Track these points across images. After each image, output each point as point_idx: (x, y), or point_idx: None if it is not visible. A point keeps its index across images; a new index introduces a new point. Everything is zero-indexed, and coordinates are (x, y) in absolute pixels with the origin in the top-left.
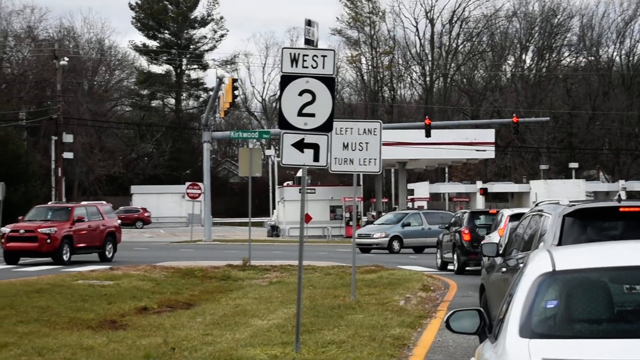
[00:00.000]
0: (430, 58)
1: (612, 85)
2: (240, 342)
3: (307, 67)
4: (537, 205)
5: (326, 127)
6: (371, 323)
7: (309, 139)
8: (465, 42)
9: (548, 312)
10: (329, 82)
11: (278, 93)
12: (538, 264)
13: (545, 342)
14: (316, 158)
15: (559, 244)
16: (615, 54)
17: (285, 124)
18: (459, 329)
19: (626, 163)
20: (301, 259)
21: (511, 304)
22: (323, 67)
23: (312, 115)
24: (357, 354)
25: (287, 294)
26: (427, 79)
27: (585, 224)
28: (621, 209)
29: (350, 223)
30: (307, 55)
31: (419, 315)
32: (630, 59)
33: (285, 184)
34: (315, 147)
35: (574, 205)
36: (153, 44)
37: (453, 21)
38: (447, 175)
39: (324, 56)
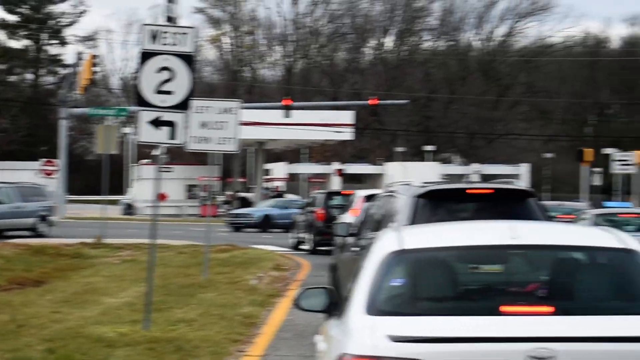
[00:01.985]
0: (292, 39)
1: (470, 69)
2: (90, 319)
3: (167, 45)
4: (390, 186)
5: (183, 105)
6: (222, 302)
7: (166, 116)
8: (328, 24)
9: (394, 290)
10: (189, 59)
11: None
12: (386, 242)
13: (391, 319)
14: (173, 136)
15: (411, 224)
16: (473, 39)
17: (142, 101)
18: (308, 307)
19: (481, 147)
20: (154, 238)
21: (358, 282)
22: (182, 45)
23: (170, 92)
24: (207, 332)
25: (139, 272)
26: (289, 59)
27: (436, 205)
28: (468, 191)
29: (206, 202)
30: (167, 33)
31: (269, 294)
32: (488, 44)
33: (141, 162)
34: (172, 124)
35: (425, 186)
36: (12, 18)
37: (317, 2)
38: (305, 155)
39: (184, 34)
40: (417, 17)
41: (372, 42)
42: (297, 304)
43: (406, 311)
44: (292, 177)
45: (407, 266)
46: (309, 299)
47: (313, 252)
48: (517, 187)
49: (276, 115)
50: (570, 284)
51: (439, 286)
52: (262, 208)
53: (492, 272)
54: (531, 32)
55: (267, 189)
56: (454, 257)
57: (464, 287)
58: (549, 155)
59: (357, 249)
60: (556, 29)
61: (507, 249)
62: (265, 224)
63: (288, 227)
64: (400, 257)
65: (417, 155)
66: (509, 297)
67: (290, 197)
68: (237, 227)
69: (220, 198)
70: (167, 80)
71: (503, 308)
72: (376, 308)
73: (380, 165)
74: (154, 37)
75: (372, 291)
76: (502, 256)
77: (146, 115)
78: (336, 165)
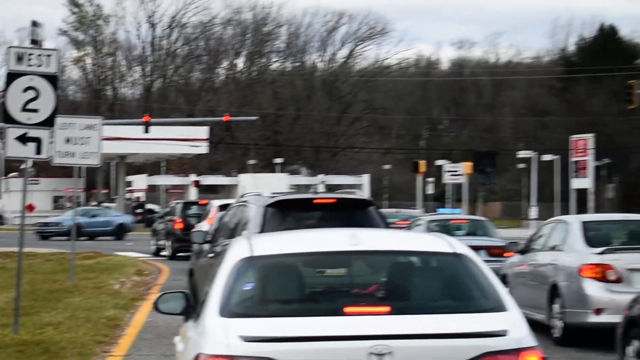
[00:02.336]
0: (150, 60)
1: (315, 88)
2: None
3: (32, 66)
4: (242, 196)
5: (49, 122)
6: (87, 305)
7: (32, 133)
8: (183, 46)
9: (246, 294)
10: (53, 79)
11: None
12: (238, 250)
13: (242, 321)
14: (39, 151)
15: (261, 231)
16: (318, 60)
17: (9, 119)
18: (167, 310)
19: (325, 159)
20: (22, 246)
21: (213, 286)
22: (47, 66)
23: (36, 110)
24: (73, 334)
25: (8, 279)
26: (148, 79)
27: (285, 213)
28: (315, 201)
29: None
30: (33, 54)
31: (132, 297)
32: (331, 65)
33: (10, 175)
34: (38, 140)
35: (274, 197)
36: None
37: (172, 26)
38: (164, 168)
39: (48, 55)
40: (266, 41)
41: (225, 63)
42: (156, 308)
43: (257, 313)
44: (152, 188)
45: (257, 271)
46: (167, 302)
47: (172, 258)
48: (358, 197)
49: (136, 131)
50: (405, 286)
51: (287, 290)
52: (71, 217)
53: (336, 276)
54: (370, 54)
55: (128, 199)
56: (301, 263)
57: (310, 290)
58: (387, 166)
59: (212, 255)
60: (392, 51)
61: (349, 254)
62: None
63: (96, 235)
64: (251, 263)
65: (267, 167)
66: (351, 299)
67: (106, 205)
68: (45, 236)
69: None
70: (32, 99)
71: (346, 309)
72: (229, 310)
73: (234, 176)
74: (20, 58)
75: (225, 295)
76: (344, 261)
77: (13, 132)
78: (193, 177)
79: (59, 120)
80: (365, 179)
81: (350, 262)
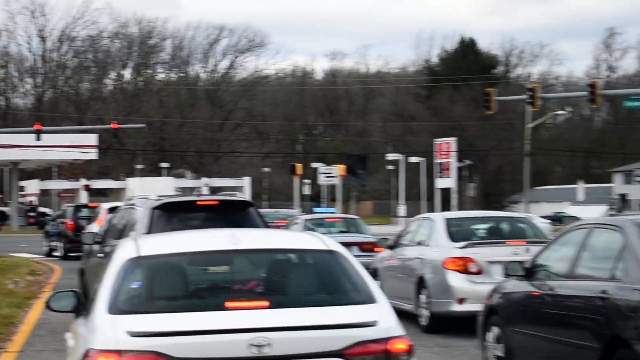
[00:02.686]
0: (41, 71)
1: (198, 97)
2: None
3: None
4: (130, 199)
5: None
6: None
7: None
8: (73, 58)
9: (133, 292)
10: None
11: None
12: (125, 250)
13: (130, 317)
14: None
15: (148, 232)
16: (201, 71)
17: None
18: (58, 308)
19: (209, 163)
20: None
21: (102, 285)
22: None
23: None
24: None
25: None
26: (39, 89)
27: (170, 215)
28: (198, 202)
29: None
30: None
31: (26, 296)
32: (213, 75)
33: None
34: None
35: (161, 199)
36: None
37: (62, 40)
38: (56, 173)
39: None
40: (152, 53)
41: (113, 74)
42: (48, 306)
43: (144, 310)
44: (45, 193)
45: (144, 270)
46: (59, 300)
47: (64, 258)
48: (239, 199)
49: (29, 139)
50: (283, 282)
51: (173, 287)
52: None
53: (218, 274)
54: (249, 65)
55: (22, 203)
56: (185, 262)
57: (194, 288)
58: (266, 169)
59: (102, 255)
60: (270, 62)
61: (230, 253)
62: None
63: None
64: (137, 262)
65: (154, 171)
66: (232, 295)
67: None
68: None
69: None
70: None
71: (228, 304)
72: (117, 308)
73: (122, 180)
74: None
75: (114, 293)
76: (225, 260)
77: None
78: (83, 182)
79: None
80: (246, 182)
81: (231, 260)
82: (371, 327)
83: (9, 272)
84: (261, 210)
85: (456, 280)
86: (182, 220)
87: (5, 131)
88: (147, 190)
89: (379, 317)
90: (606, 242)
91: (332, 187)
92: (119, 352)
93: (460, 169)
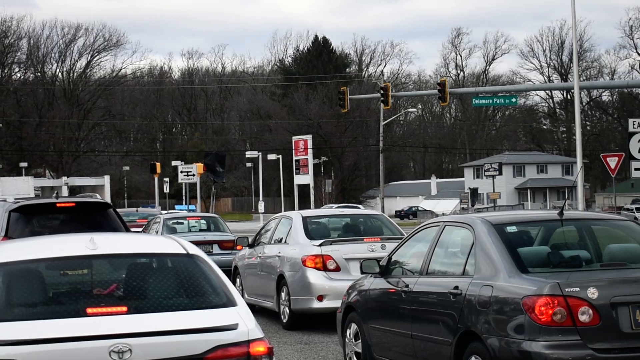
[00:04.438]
0: None
1: (56, 97)
2: None
3: None
4: None
5: None
6: None
7: None
8: None
9: None
10: None
11: None
12: None
13: None
14: None
15: (6, 235)
16: (58, 70)
17: None
18: None
19: (68, 162)
20: None
21: None
22: None
23: None
24: None
25: None
26: None
27: (29, 218)
28: (58, 204)
29: None
30: None
31: None
32: (71, 75)
33: None
34: None
35: (18, 202)
36: None
37: None
38: None
39: None
40: (8, 52)
41: None
42: None
43: (1, 318)
44: None
45: (1, 277)
46: None
47: None
48: (96, 200)
49: None
50: (142, 287)
51: (31, 294)
52: None
53: (78, 280)
54: (107, 64)
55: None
56: (43, 268)
57: (53, 295)
58: (126, 168)
59: None
60: (127, 62)
61: (88, 258)
62: None
63: None
64: None
65: (13, 170)
66: (92, 301)
67: None
68: None
69: None
70: None
71: (88, 310)
72: None
73: None
74: None
75: None
76: (84, 265)
77: None
78: None
79: None
80: (106, 180)
81: (90, 265)
82: (231, 331)
83: None
84: (121, 210)
85: (315, 277)
86: (41, 222)
87: None
88: (6, 190)
89: (239, 320)
90: (458, 239)
91: (192, 185)
92: None
93: (317, 166)
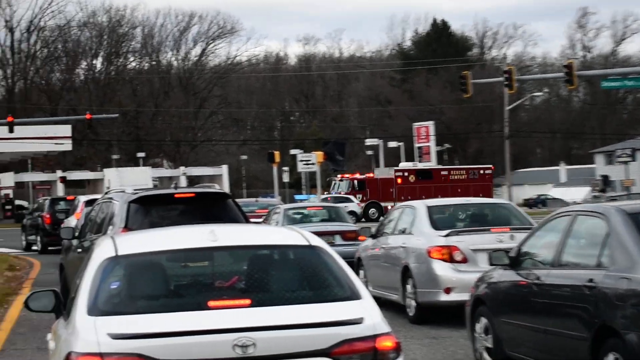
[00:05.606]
0: (11, 62)
1: (172, 85)
2: None
3: None
4: (107, 192)
5: None
6: None
7: None
8: (42, 49)
9: (113, 292)
10: None
11: None
12: (103, 249)
13: (110, 318)
14: None
15: (126, 226)
16: (173, 59)
17: None
18: (38, 308)
19: (185, 152)
20: None
21: (80, 285)
22: None
23: None
24: None
25: None
26: (9, 81)
27: (148, 209)
28: (176, 196)
29: None
30: None
31: (5, 293)
32: (186, 63)
33: None
34: None
35: (137, 193)
36: None
37: (31, 30)
38: (30, 165)
39: None
40: (122, 41)
41: (84, 64)
42: (27, 306)
43: (125, 311)
44: (20, 185)
45: (123, 270)
46: (38, 300)
47: (43, 252)
48: (215, 191)
49: (2, 131)
50: (264, 279)
51: (153, 287)
52: None
53: (199, 272)
54: (221, 52)
55: None
56: (164, 260)
57: (175, 287)
58: (244, 157)
59: (81, 250)
60: (242, 49)
61: (209, 250)
62: None
63: None
64: (116, 262)
65: (131, 161)
66: (214, 294)
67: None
68: None
69: None
70: None
71: (210, 303)
72: (97, 309)
73: (99, 171)
74: None
75: (93, 294)
76: (205, 257)
77: None
78: (59, 173)
79: None
80: (224, 169)
81: (211, 257)
82: (357, 325)
83: None
84: (240, 200)
85: (441, 269)
86: (159, 213)
87: None
88: (125, 180)
89: (364, 314)
90: (591, 229)
91: (311, 174)
92: (101, 355)
93: (440, 153)
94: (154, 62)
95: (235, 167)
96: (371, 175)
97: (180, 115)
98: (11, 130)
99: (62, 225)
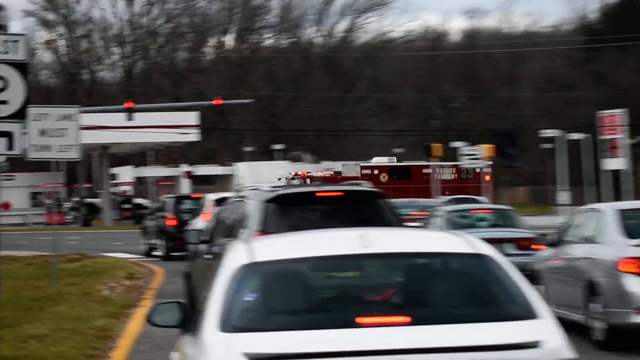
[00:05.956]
0: (130, 39)
1: (313, 66)
2: None
3: None
4: (239, 190)
5: (20, 115)
6: (74, 315)
7: (2, 127)
8: (165, 24)
9: (248, 305)
10: (22, 67)
11: None
12: (236, 255)
13: (246, 335)
14: (10, 147)
15: (262, 230)
16: (315, 35)
17: None
18: (161, 323)
19: (330, 143)
20: None
21: (211, 296)
22: (15, 52)
23: (5, 102)
24: (60, 348)
25: None
26: (128, 60)
27: (286, 209)
28: (318, 194)
29: (52, 210)
30: None
31: (123, 304)
32: (330, 40)
33: None
34: (8, 135)
35: (274, 191)
36: None
37: (152, 2)
38: (152, 158)
39: (15, 41)
40: (257, 15)
41: (213, 41)
42: (149, 320)
43: (261, 327)
44: (140, 181)
45: (260, 279)
46: (161, 314)
47: (166, 258)
48: (365, 189)
49: (119, 118)
50: (423, 293)
51: (293, 299)
52: None
53: (346, 283)
54: (372, 27)
55: (114, 194)
56: (307, 269)
57: (318, 300)
58: (397, 150)
59: (210, 256)
60: (396, 23)
61: (359, 258)
62: None
63: None
64: (252, 270)
65: (265, 154)
66: (364, 308)
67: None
68: None
69: (67, 205)
70: (0, 90)
71: (359, 319)
72: (230, 324)
73: (229, 166)
74: None
75: (225, 306)
76: (354, 266)
77: None
78: (184, 168)
79: (32, 110)
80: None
81: (361, 266)
82: (534, 349)
83: (103, 276)
84: (394, 200)
85: (634, 285)
86: (299, 214)
87: (91, 110)
88: (260, 176)
89: (544, 336)
90: None
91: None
92: None
93: (633, 147)
94: (293, 39)
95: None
96: (329, 173)
97: (323, 101)
98: (130, 118)
99: (188, 228)
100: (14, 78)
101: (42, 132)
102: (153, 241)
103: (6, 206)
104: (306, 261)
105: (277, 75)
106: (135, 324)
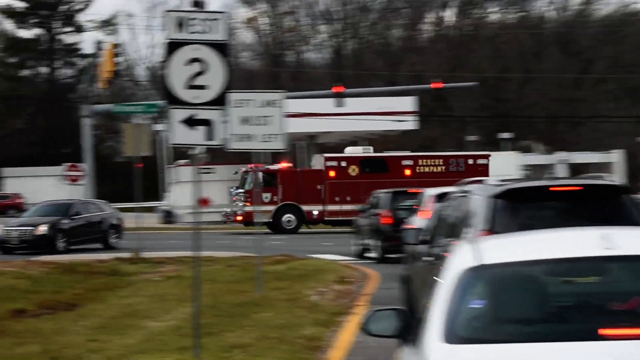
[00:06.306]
0: (339, 16)
1: (545, 44)
2: (132, 348)
3: (195, 33)
4: (463, 185)
5: (220, 101)
6: (280, 322)
7: (201, 114)
8: None
9: (475, 312)
10: (222, 48)
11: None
12: (461, 257)
13: (474, 348)
14: (210, 136)
15: (489, 229)
16: (547, 8)
17: (172, 98)
18: (377, 332)
19: (564, 132)
20: (198, 250)
21: (433, 303)
22: (214, 32)
23: (204, 87)
24: (265, 358)
25: (184, 290)
26: (337, 40)
27: (516, 206)
28: (551, 189)
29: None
30: (196, 19)
31: (334, 312)
32: (564, 13)
33: (178, 163)
34: (208, 123)
35: (503, 185)
36: (20, 5)
37: None
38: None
39: (215, 20)
40: None
41: (431, 17)
42: (364, 329)
43: (491, 337)
44: None
45: (489, 284)
46: (378, 322)
47: (381, 260)
48: (608, 183)
49: (327, 105)
50: None
51: (526, 307)
52: None
53: (587, 290)
54: None
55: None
56: (541, 273)
57: (555, 308)
58: None
59: (431, 258)
60: None
61: (601, 261)
62: None
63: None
64: (480, 273)
65: (490, 144)
66: (608, 319)
67: None
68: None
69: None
70: (199, 73)
71: (602, 331)
72: (456, 335)
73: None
74: (180, 24)
75: (450, 315)
76: (595, 270)
77: (178, 114)
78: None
79: (234, 96)
80: (616, 156)
81: (603, 270)
82: None
83: (311, 280)
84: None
85: None
86: (530, 212)
87: (297, 95)
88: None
89: None
90: None
91: None
92: None
93: None
94: (522, 13)
95: (631, 153)
96: (287, 165)
97: (556, 83)
98: (339, 104)
99: (406, 227)
100: (214, 60)
101: (244, 120)
102: (366, 241)
103: (205, 202)
104: (541, 264)
105: (503, 54)
106: (347, 333)
